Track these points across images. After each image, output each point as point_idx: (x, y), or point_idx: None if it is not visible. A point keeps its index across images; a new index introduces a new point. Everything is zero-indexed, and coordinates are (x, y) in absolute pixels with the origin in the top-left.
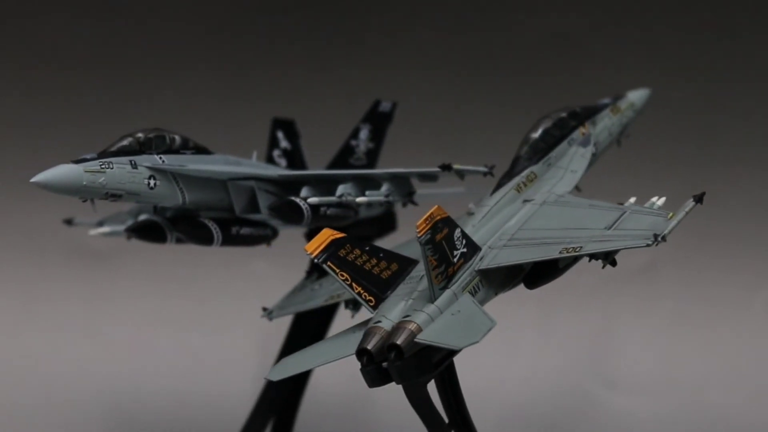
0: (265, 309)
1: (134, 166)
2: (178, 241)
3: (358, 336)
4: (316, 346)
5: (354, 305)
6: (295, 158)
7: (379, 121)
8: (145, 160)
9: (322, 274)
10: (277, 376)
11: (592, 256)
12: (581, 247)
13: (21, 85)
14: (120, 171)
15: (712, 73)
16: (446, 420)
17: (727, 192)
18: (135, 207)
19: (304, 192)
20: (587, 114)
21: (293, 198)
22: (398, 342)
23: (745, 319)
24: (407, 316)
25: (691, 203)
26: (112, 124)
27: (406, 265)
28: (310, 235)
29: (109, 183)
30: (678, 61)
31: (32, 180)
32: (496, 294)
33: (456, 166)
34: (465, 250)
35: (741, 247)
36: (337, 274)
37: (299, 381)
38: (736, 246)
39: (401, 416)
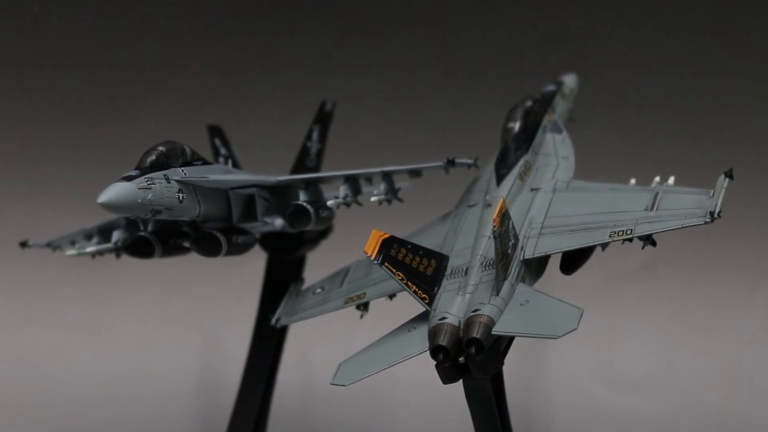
0: (271, 316)
1: (168, 180)
2: (164, 255)
3: (417, 335)
4: (375, 348)
5: (365, 307)
6: (233, 163)
7: (324, 121)
8: (174, 174)
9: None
10: (345, 381)
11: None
12: (631, 229)
13: (18, 85)
14: (160, 186)
15: (712, 71)
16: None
17: (727, 191)
18: (92, 226)
19: (302, 196)
20: (547, 101)
21: (301, 203)
22: (478, 336)
23: (745, 319)
24: (476, 310)
25: (725, 180)
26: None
27: (441, 261)
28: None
29: (155, 199)
30: (675, 60)
31: (99, 201)
32: (534, 282)
33: (458, 160)
34: (514, 241)
35: (741, 247)
36: (394, 274)
37: (270, 378)
38: (736, 246)
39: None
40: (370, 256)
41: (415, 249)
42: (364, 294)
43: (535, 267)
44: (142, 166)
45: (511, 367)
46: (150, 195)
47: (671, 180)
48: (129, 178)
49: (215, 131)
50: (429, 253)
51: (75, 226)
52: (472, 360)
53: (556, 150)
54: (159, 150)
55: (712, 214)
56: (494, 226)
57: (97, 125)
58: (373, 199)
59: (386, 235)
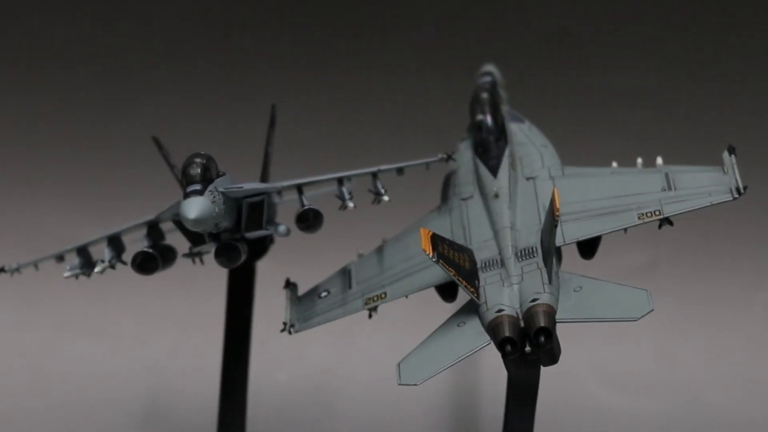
0: (284, 323)
1: (217, 192)
2: (163, 268)
3: (471, 329)
4: (430, 345)
5: (375, 307)
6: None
7: (273, 125)
8: (218, 186)
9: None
10: (414, 380)
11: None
12: (659, 210)
13: (17, 85)
14: (218, 199)
15: (711, 70)
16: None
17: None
18: (71, 247)
19: (305, 201)
20: (496, 91)
21: (313, 207)
22: (546, 324)
23: (745, 319)
24: (534, 299)
25: (730, 157)
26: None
27: (471, 255)
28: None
29: (219, 211)
30: (675, 60)
31: (191, 217)
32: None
33: (454, 156)
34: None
35: (741, 247)
36: (448, 270)
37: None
38: (736, 246)
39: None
40: (428, 254)
41: (452, 245)
42: (385, 294)
43: (558, 255)
44: (197, 179)
45: None
46: (216, 208)
47: (659, 160)
48: (199, 192)
49: (157, 143)
50: (461, 249)
51: (75, 228)
52: (543, 349)
53: (530, 139)
54: (199, 162)
55: (738, 189)
56: (556, 215)
57: (96, 125)
58: (385, 199)
59: (431, 233)
